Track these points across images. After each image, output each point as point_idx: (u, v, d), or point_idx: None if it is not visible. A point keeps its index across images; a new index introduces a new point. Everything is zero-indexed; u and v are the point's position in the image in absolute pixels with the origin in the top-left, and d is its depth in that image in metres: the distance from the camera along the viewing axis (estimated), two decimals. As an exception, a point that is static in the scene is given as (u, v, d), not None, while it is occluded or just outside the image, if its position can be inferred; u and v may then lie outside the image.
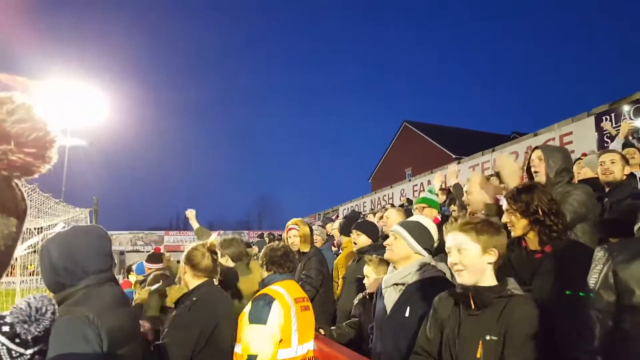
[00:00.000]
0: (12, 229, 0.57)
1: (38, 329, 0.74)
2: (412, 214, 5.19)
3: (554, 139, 10.75)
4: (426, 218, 2.74)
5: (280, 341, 2.55)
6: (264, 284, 2.78)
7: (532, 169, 2.85)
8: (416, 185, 15.96)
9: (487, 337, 1.75)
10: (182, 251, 2.96)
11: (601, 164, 3.39)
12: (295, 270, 3.02)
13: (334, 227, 7.43)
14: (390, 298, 2.48)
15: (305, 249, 4.27)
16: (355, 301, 3.49)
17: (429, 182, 15.14)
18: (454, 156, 23.85)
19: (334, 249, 6.14)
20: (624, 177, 3.33)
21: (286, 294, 2.66)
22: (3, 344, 0.68)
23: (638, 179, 3.44)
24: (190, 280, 2.64)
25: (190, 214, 5.37)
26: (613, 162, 3.35)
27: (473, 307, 1.84)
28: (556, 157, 2.77)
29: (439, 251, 2.65)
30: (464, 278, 1.85)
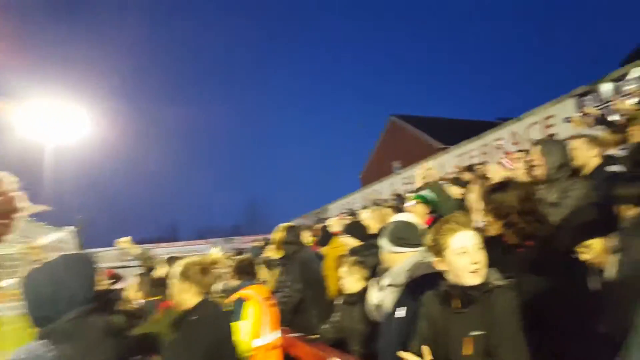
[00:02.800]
0: None
1: None
2: (400, 210, 5.18)
3: (537, 122, 10.81)
4: (410, 214, 2.73)
5: (255, 333, 3.05)
6: (234, 290, 3.20)
7: (532, 163, 2.85)
8: (405, 178, 15.96)
9: (475, 333, 1.75)
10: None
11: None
12: (254, 277, 3.53)
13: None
14: (387, 299, 2.51)
15: (278, 254, 4.28)
16: (337, 301, 3.52)
17: (418, 175, 15.12)
18: (441, 146, 23.93)
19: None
20: (595, 160, 3.26)
21: (256, 294, 3.14)
22: None
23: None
24: (189, 298, 2.57)
25: (124, 242, 5.09)
26: (575, 149, 3.29)
27: (460, 305, 1.83)
28: (555, 153, 2.78)
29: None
30: (479, 277, 1.81)
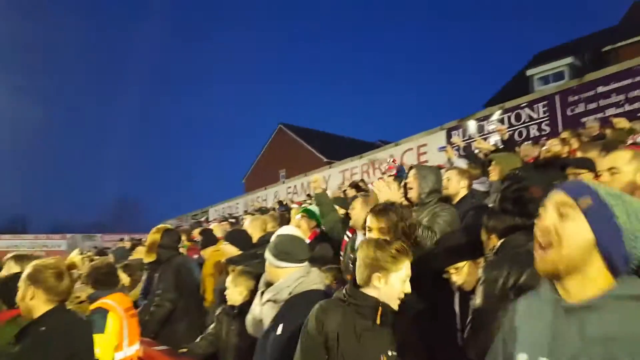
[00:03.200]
0: None
1: None
2: (284, 219, 5.16)
3: (412, 149, 11.91)
4: (294, 228, 2.72)
5: (117, 346, 2.89)
6: (91, 299, 2.97)
7: (407, 186, 3.04)
8: (290, 187, 16.21)
9: (390, 353, 1.78)
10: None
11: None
12: (116, 285, 3.32)
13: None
14: (266, 314, 2.41)
15: (149, 258, 3.96)
16: (217, 311, 3.35)
17: (302, 185, 15.52)
18: (325, 160, 24.86)
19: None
20: (463, 191, 3.57)
21: (117, 305, 2.94)
22: None
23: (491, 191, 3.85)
24: (38, 306, 2.23)
25: None
26: (448, 179, 3.56)
27: (379, 323, 1.82)
28: (428, 179, 3.00)
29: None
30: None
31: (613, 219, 0.95)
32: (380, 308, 1.83)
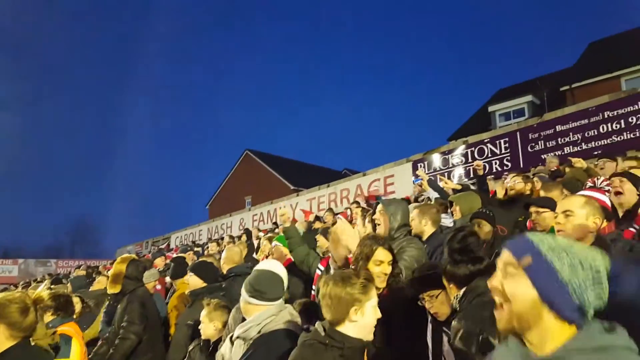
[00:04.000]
0: None
1: None
2: (250, 248, 5.07)
3: (379, 179, 12.13)
4: (275, 263, 2.65)
5: None
6: (48, 327, 2.83)
7: (375, 221, 3.05)
8: (256, 214, 16.02)
9: None
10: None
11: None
12: (73, 313, 3.33)
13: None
14: (235, 352, 2.34)
15: (113, 289, 3.80)
16: (191, 347, 3.20)
17: (268, 212, 15.38)
18: (292, 188, 24.83)
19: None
20: (428, 228, 3.48)
21: (76, 332, 2.96)
22: None
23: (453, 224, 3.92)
24: (0, 342, 2.10)
25: None
26: (412, 220, 3.44)
27: None
28: (397, 214, 3.02)
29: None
30: None
31: (555, 275, 0.97)
32: (366, 349, 1.84)
